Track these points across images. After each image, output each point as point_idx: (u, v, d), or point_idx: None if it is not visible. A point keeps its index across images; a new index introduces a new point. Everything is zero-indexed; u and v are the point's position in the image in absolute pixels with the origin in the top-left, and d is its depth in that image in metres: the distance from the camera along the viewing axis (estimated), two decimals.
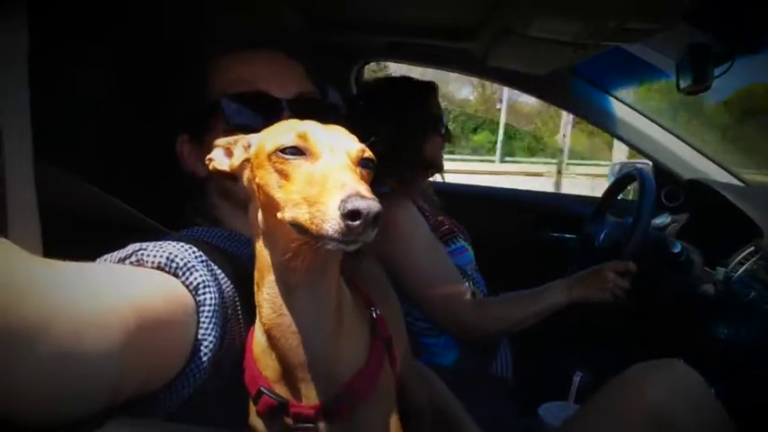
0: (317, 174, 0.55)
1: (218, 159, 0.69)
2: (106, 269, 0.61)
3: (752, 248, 1.49)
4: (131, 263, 0.63)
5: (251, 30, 0.99)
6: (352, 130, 0.64)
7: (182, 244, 0.67)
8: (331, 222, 0.50)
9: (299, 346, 0.64)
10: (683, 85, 1.61)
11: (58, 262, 0.49)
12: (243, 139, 0.67)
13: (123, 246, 0.65)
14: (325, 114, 0.96)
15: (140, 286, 0.59)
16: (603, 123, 2.09)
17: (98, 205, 0.72)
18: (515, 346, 1.74)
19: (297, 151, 0.58)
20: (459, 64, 2.22)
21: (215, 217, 0.96)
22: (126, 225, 0.73)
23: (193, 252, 0.67)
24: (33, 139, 0.54)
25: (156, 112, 1.00)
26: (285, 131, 0.61)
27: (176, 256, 0.64)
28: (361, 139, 0.63)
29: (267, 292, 0.63)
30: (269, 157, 0.59)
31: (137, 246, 0.64)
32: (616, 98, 2.06)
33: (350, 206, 0.49)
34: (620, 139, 2.06)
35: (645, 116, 2.03)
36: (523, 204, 2.50)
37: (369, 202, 0.50)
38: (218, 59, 0.95)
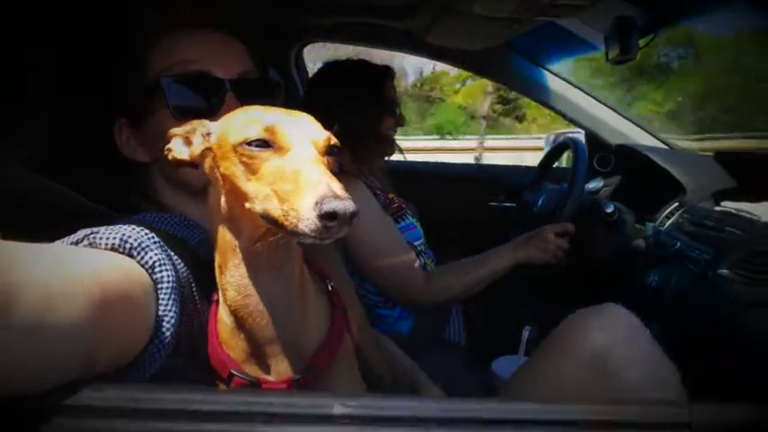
0: (286, 168, 0.56)
1: (178, 149, 0.68)
2: (64, 248, 0.61)
3: (676, 204, 1.61)
4: (84, 246, 0.62)
5: (192, 8, 0.96)
6: (309, 112, 0.65)
7: (133, 226, 0.66)
8: (306, 222, 0.52)
9: (266, 323, 0.65)
10: (611, 55, 1.70)
11: (16, 242, 0.48)
12: (201, 126, 0.66)
13: (73, 232, 0.64)
14: (267, 94, 0.95)
15: (102, 263, 0.59)
16: (539, 96, 2.17)
17: (44, 192, 0.71)
18: (466, 310, 1.81)
19: (263, 143, 0.58)
20: (398, 43, 2.25)
21: (160, 201, 0.94)
22: (73, 211, 0.72)
23: (146, 233, 0.66)
24: None
25: (94, 97, 0.97)
26: (249, 122, 0.60)
27: (129, 236, 0.64)
28: (323, 123, 0.63)
29: (231, 275, 0.64)
30: (234, 148, 0.59)
31: (88, 230, 0.64)
32: (550, 71, 2.14)
33: (327, 208, 0.51)
34: (555, 110, 2.15)
35: (577, 88, 2.13)
36: (464, 177, 2.57)
37: (345, 204, 0.51)
38: (159, 40, 0.92)
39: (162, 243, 0.68)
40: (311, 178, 0.54)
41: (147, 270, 0.63)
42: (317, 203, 0.51)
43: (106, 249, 0.62)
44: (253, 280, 0.64)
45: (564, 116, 2.15)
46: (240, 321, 0.66)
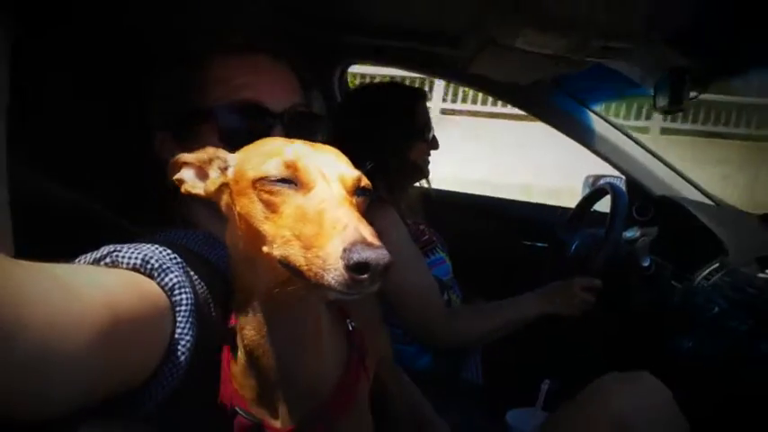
0: (310, 209, 0.50)
1: (191, 181, 0.64)
2: (79, 269, 0.60)
3: (717, 265, 1.54)
4: (106, 264, 0.62)
5: (248, 36, 0.96)
6: (340, 140, 0.62)
7: (156, 246, 0.66)
8: (333, 273, 0.45)
9: (280, 365, 0.62)
10: (659, 104, 1.65)
11: (30, 262, 0.48)
12: (218, 158, 0.62)
13: (97, 247, 0.64)
14: (312, 126, 0.96)
15: (115, 286, 0.58)
16: (581, 137, 2.11)
17: (72, 206, 0.71)
18: (486, 351, 1.76)
19: (285, 180, 0.53)
20: (441, 69, 2.24)
21: (187, 219, 0.94)
22: (100, 226, 0.72)
23: (168, 254, 0.66)
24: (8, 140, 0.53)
25: (131, 110, 0.97)
26: (269, 155, 0.55)
27: (152, 257, 0.63)
28: (353, 158, 0.59)
29: (251, 315, 0.62)
30: (253, 185, 0.54)
31: (111, 247, 0.63)
32: (594, 112, 2.09)
33: (357, 257, 0.44)
34: (597, 152, 2.10)
35: (621, 132, 2.07)
36: (498, 212, 2.52)
37: (378, 252, 0.45)
38: (212, 60, 0.92)
39: (183, 264, 0.67)
40: (339, 220, 0.47)
41: (166, 292, 0.63)
42: (345, 251, 0.45)
43: (127, 269, 0.62)
44: (271, 321, 0.61)
45: (605, 159, 2.09)
46: (254, 360, 0.64)
